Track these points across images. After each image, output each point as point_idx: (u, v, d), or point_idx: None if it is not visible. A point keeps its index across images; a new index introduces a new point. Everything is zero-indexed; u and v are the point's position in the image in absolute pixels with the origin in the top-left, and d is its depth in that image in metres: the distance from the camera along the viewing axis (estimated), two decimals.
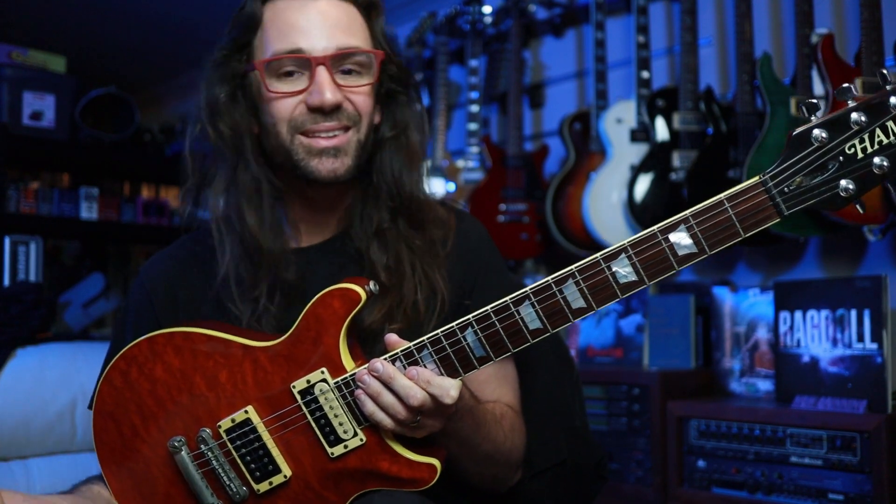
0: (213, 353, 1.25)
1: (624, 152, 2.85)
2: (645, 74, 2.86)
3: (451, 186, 3.39)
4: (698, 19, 2.73)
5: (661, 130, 2.77)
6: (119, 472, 1.29)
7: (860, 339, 2.16)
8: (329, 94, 1.29)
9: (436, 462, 1.18)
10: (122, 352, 1.28)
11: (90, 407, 1.33)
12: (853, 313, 2.18)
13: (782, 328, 2.34)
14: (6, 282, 3.24)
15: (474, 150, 3.32)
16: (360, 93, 1.34)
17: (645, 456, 2.42)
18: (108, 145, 3.77)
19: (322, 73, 1.30)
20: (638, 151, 2.82)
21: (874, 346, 2.13)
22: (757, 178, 1.07)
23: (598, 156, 2.96)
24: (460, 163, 3.39)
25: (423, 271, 1.36)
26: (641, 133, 2.83)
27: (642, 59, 2.87)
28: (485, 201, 3.20)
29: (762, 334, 2.49)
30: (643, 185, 2.76)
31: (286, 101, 1.32)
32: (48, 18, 4.43)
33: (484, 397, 1.38)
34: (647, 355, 2.73)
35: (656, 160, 2.75)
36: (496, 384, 1.41)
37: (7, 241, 3.27)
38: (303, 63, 1.31)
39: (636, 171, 2.77)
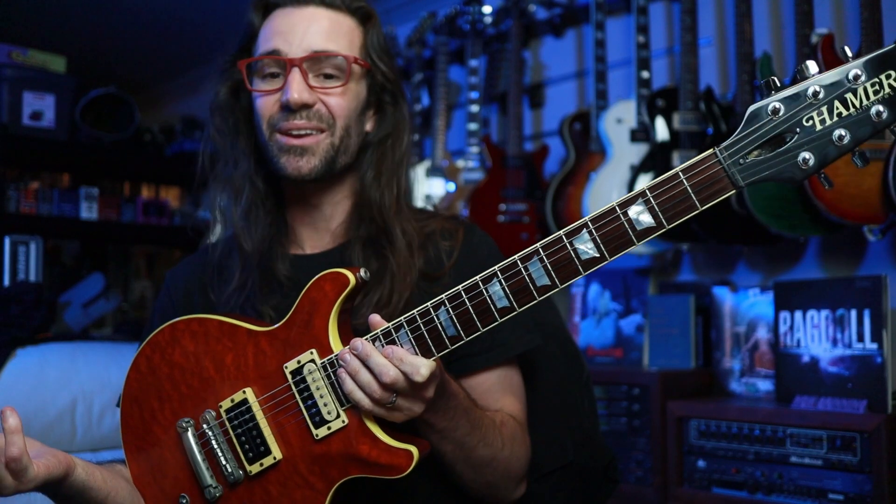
0: (222, 338, 1.30)
1: (624, 152, 2.85)
2: (645, 74, 2.86)
3: (451, 186, 3.39)
4: (698, 19, 2.73)
5: (661, 130, 2.77)
6: (138, 457, 1.34)
7: (860, 339, 2.16)
8: (296, 94, 1.36)
9: (413, 449, 1.20)
10: (148, 338, 1.35)
11: (118, 404, 1.38)
12: (853, 313, 2.18)
13: (782, 328, 2.34)
14: (6, 282, 3.24)
15: (474, 150, 3.32)
16: (333, 94, 1.40)
17: (645, 456, 2.42)
18: (108, 145, 3.77)
19: (294, 73, 1.37)
20: (638, 151, 2.82)
21: (874, 346, 2.13)
22: (711, 150, 1.09)
23: (598, 156, 2.96)
24: (460, 163, 3.39)
25: (395, 284, 1.39)
26: (641, 133, 2.83)
27: (642, 59, 2.87)
28: (485, 201, 3.20)
29: (762, 334, 2.49)
30: (643, 185, 2.75)
31: (265, 99, 1.41)
32: (48, 18, 4.43)
33: (488, 407, 1.39)
34: (647, 355, 2.73)
35: (656, 160, 2.75)
36: (500, 394, 1.42)
37: (7, 241, 3.28)
38: (281, 64, 1.39)
39: (636, 171, 2.77)
